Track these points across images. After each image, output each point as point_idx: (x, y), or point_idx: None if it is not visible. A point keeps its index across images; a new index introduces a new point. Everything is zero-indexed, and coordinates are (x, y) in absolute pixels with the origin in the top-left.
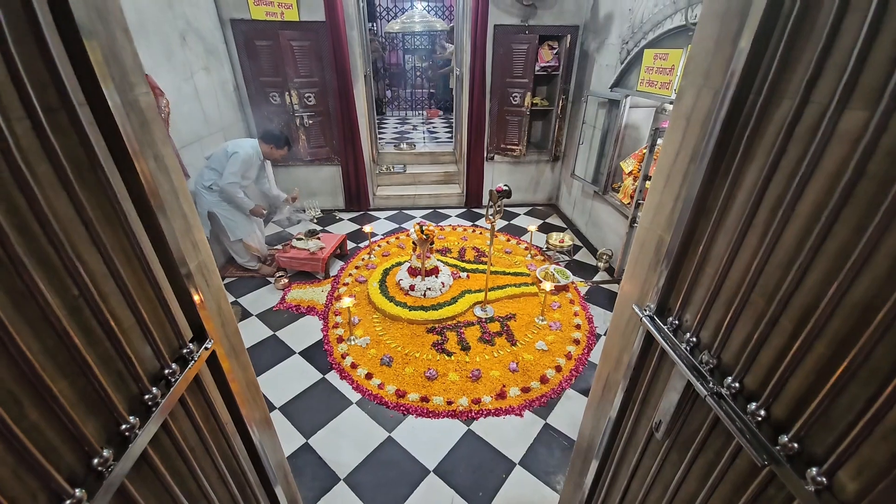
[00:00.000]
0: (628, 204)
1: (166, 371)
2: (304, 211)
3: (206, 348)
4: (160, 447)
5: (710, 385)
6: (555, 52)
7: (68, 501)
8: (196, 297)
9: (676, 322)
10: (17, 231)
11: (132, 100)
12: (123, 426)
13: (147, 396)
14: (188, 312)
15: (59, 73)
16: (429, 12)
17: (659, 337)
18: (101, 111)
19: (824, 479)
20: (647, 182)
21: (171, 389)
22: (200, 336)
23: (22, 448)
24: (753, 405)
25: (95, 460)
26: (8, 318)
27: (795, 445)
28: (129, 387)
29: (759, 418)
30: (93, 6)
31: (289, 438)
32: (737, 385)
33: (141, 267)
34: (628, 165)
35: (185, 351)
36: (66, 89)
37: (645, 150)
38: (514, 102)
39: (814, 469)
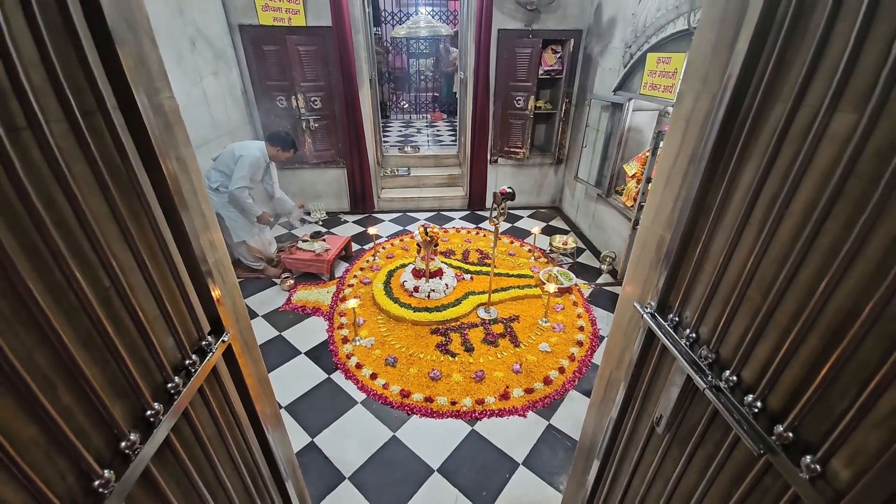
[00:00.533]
0: (631, 207)
1: (187, 362)
2: (309, 213)
3: (223, 341)
4: (181, 435)
5: (709, 379)
6: (558, 55)
7: (97, 482)
8: (216, 293)
9: (677, 319)
10: (57, 226)
11: (157, 103)
12: (149, 412)
13: (170, 385)
14: (206, 307)
15: (95, 78)
16: (433, 16)
17: (660, 333)
18: (131, 114)
19: (818, 467)
20: (650, 184)
21: (192, 379)
22: (217, 330)
23: (56, 429)
24: (750, 397)
25: (123, 443)
26: (48, 307)
27: (790, 435)
28: (153, 375)
29: (756, 409)
30: (123, 16)
31: (295, 437)
32: (734, 378)
33: (165, 262)
34: (631, 168)
35: (203, 343)
36: (102, 94)
37: (648, 153)
38: (517, 106)
39: (808, 457)
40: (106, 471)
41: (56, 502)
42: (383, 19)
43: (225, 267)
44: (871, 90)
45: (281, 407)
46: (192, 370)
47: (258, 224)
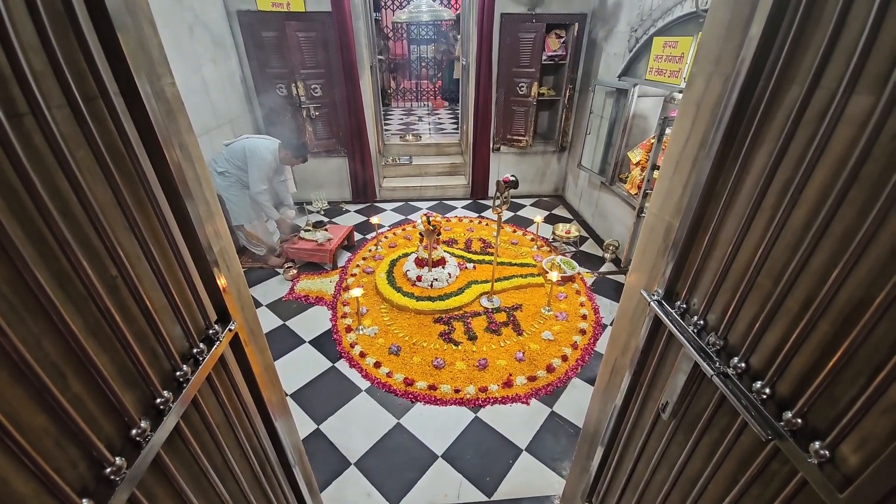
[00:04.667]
0: (636, 195)
1: (195, 350)
2: (313, 203)
3: (230, 329)
4: (190, 422)
5: (717, 365)
6: (562, 40)
7: (109, 469)
8: (221, 282)
9: (684, 306)
10: (62, 214)
11: (159, 90)
12: (158, 400)
13: (179, 373)
14: (212, 295)
15: (96, 63)
16: (434, 0)
17: (667, 320)
18: (133, 101)
19: (827, 453)
20: (655, 172)
21: (200, 367)
22: (223, 319)
23: (67, 418)
24: (759, 384)
25: (134, 431)
26: (56, 296)
27: (799, 421)
28: (162, 364)
29: (764, 396)
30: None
31: (301, 424)
32: (743, 365)
33: (171, 250)
34: (636, 156)
35: (210, 332)
36: (103, 79)
37: (653, 140)
38: (520, 92)
39: (817, 443)
40: (117, 458)
41: (67, 490)
42: (383, 4)
43: (230, 255)
44: (889, 71)
45: (287, 395)
46: (200, 358)
47: (260, 213)
